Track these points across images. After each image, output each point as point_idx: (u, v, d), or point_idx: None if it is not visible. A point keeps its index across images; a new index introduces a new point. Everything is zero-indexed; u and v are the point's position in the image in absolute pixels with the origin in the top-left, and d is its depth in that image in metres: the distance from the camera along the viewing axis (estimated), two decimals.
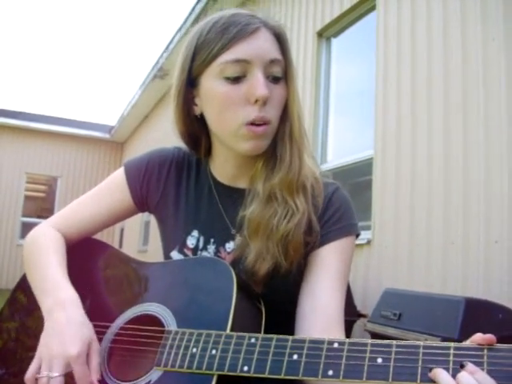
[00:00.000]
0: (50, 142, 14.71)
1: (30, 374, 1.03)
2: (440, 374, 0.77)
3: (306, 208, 1.17)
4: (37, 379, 1.01)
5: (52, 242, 1.27)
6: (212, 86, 1.13)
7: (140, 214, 1.41)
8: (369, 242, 4.38)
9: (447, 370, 0.77)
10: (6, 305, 1.36)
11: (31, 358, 1.16)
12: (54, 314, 1.08)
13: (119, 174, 1.34)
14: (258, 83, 1.09)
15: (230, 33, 1.10)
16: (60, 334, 1.04)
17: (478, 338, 0.78)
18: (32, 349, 1.21)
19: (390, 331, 3.03)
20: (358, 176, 4.99)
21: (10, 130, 14.22)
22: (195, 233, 1.26)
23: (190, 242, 1.26)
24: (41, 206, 15.12)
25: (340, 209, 1.22)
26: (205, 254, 1.24)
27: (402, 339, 2.53)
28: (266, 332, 1.04)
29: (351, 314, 3.85)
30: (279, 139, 1.19)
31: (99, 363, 1.05)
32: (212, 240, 1.24)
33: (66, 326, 1.05)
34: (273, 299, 1.15)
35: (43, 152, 14.68)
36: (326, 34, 5.68)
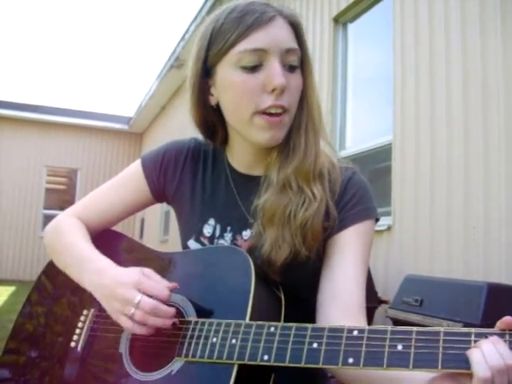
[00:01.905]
0: (69, 135, 14.83)
1: (127, 326, 1.05)
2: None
3: (323, 195, 1.17)
4: (131, 319, 1.03)
5: (74, 227, 1.31)
6: (228, 75, 1.13)
7: (160, 205, 1.42)
8: (389, 228, 4.36)
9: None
10: (33, 290, 1.39)
11: (60, 343, 1.18)
12: (101, 282, 1.11)
13: (136, 167, 1.35)
14: (275, 72, 1.09)
15: (246, 21, 1.10)
16: (114, 283, 1.08)
17: (500, 322, 0.78)
18: (60, 334, 1.24)
19: (412, 317, 3.02)
20: (378, 162, 4.96)
21: (29, 124, 14.37)
22: (212, 221, 1.26)
23: (207, 230, 1.26)
24: (62, 198, 15.25)
25: (357, 193, 1.21)
26: (221, 242, 1.24)
27: (424, 325, 2.52)
28: (286, 319, 1.05)
29: (372, 301, 3.84)
30: (294, 128, 1.19)
31: (158, 275, 1.08)
32: (229, 228, 1.25)
33: (114, 277, 1.09)
34: (292, 286, 1.15)
35: (63, 145, 14.81)
36: (342, 19, 5.64)
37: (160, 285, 1.05)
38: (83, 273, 1.18)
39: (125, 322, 1.04)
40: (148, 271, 1.08)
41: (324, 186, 1.19)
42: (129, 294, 1.03)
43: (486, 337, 0.77)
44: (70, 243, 1.26)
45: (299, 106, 1.19)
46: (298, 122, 1.19)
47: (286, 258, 1.12)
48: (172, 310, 1.03)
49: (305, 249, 1.13)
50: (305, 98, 1.19)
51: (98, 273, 1.13)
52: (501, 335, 0.77)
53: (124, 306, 1.04)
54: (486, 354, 0.75)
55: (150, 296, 1.02)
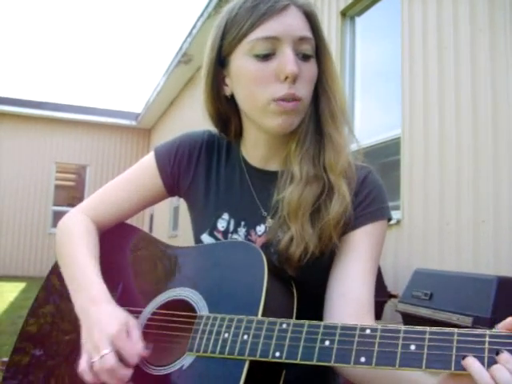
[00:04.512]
0: (77, 131, 14.88)
1: (82, 365, 1.04)
2: (472, 364, 0.75)
3: (350, 193, 1.16)
4: (91, 366, 1.03)
5: (83, 232, 1.28)
6: (242, 63, 1.13)
7: (169, 200, 1.42)
8: (398, 222, 4.35)
9: (482, 358, 0.76)
10: (41, 289, 1.39)
11: (67, 342, 1.19)
12: (89, 311, 1.10)
13: (149, 159, 1.34)
14: (287, 60, 1.09)
15: (259, 10, 1.10)
16: (97, 323, 1.06)
17: (509, 322, 0.77)
18: (67, 332, 1.24)
19: (422, 311, 3.02)
20: (386, 156, 4.95)
21: (37, 121, 14.42)
22: (226, 216, 1.26)
23: (221, 224, 1.26)
24: (71, 194, 15.33)
25: (372, 192, 1.21)
26: (235, 236, 1.24)
27: (434, 319, 2.51)
28: (298, 315, 1.05)
29: (382, 295, 3.83)
30: (313, 118, 1.19)
31: (140, 335, 1.06)
32: (243, 223, 1.24)
33: (100, 315, 1.08)
34: (306, 282, 1.15)
35: (72, 141, 14.86)
36: (350, 13, 5.62)
37: (133, 349, 1.03)
38: (77, 296, 1.17)
39: (83, 362, 1.05)
40: (132, 325, 1.07)
41: (346, 181, 1.18)
42: (101, 342, 1.03)
43: (497, 353, 0.75)
44: (73, 254, 1.24)
45: (317, 95, 1.18)
46: (317, 112, 1.19)
47: (306, 254, 1.12)
48: (128, 375, 1.02)
49: (325, 245, 1.14)
50: (322, 87, 1.19)
51: (90, 301, 1.12)
52: None
53: (91, 350, 1.04)
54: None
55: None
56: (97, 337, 1.04)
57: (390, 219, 1.24)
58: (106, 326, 1.05)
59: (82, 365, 1.04)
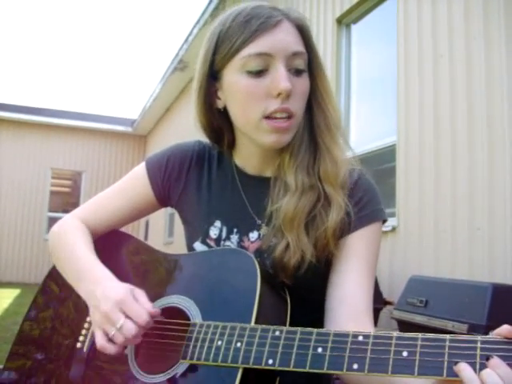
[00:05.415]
0: (73, 138, 14.85)
1: (99, 342, 1.05)
2: (464, 369, 0.75)
3: (346, 202, 1.17)
4: (110, 339, 1.04)
5: (79, 231, 1.30)
6: (234, 79, 1.13)
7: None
8: (394, 229, 4.36)
9: (474, 363, 0.76)
10: (39, 294, 1.40)
11: (67, 345, 1.19)
12: (94, 292, 1.11)
13: (140, 170, 1.35)
14: (280, 77, 1.09)
15: (252, 26, 1.10)
16: (103, 296, 1.07)
17: (506, 330, 0.76)
18: (66, 336, 1.24)
19: (417, 318, 3.02)
20: (382, 163, 4.95)
21: (33, 127, 14.40)
22: (218, 223, 1.26)
23: (213, 232, 1.26)
24: (66, 200, 15.29)
25: (365, 195, 1.21)
26: (228, 243, 1.24)
27: (429, 326, 2.50)
28: (292, 321, 1.05)
29: (377, 302, 3.83)
30: (307, 130, 1.19)
31: (147, 299, 1.07)
32: (235, 230, 1.25)
33: (105, 290, 1.08)
34: (300, 288, 1.15)
35: (67, 147, 14.84)
36: (346, 20, 5.64)
37: (142, 310, 1.03)
38: (80, 281, 1.18)
39: (99, 338, 1.05)
40: (138, 292, 1.08)
41: (344, 192, 1.18)
42: (112, 313, 1.03)
43: (488, 359, 0.75)
44: (71, 249, 1.26)
45: (310, 108, 1.19)
46: (310, 123, 1.19)
47: (303, 262, 1.12)
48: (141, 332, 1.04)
49: (320, 253, 1.15)
50: (316, 100, 1.19)
51: (93, 283, 1.13)
52: (506, 350, 0.75)
53: (104, 324, 1.05)
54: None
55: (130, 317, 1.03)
56: (104, 309, 1.05)
57: (385, 221, 1.24)
58: (111, 295, 1.06)
59: (100, 342, 1.05)
